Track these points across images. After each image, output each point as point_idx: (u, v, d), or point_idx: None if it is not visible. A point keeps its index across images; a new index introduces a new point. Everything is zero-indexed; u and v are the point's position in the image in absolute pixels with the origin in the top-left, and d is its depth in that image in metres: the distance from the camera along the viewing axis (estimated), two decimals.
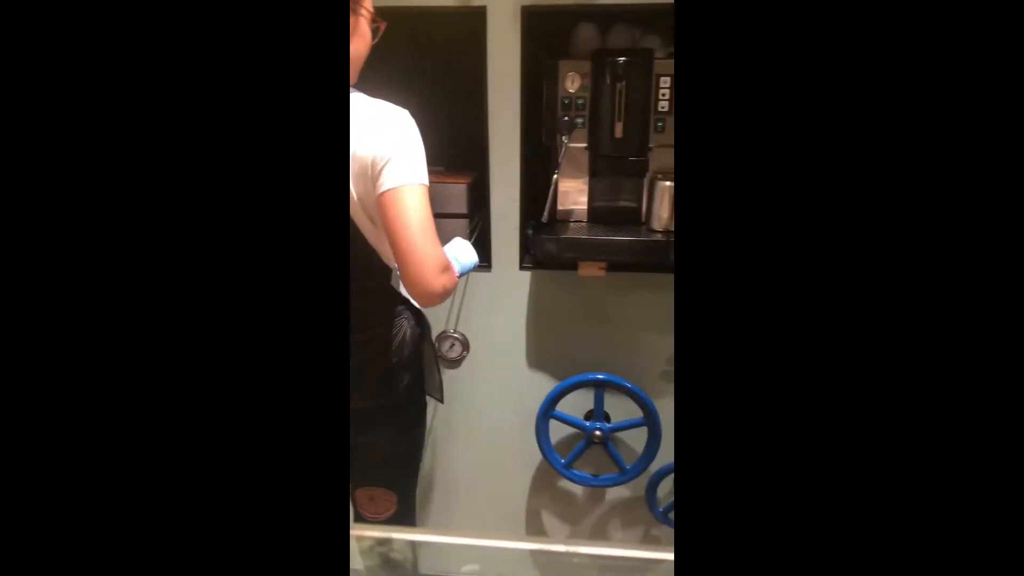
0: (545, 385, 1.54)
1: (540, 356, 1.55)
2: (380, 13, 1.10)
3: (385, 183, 1.01)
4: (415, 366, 1.22)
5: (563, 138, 1.40)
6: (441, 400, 1.33)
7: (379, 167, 1.01)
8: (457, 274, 1.12)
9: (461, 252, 1.20)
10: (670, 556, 0.84)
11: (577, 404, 1.53)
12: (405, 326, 1.18)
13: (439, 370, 1.29)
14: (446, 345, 1.59)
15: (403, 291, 1.16)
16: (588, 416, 1.53)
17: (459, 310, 1.57)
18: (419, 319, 1.22)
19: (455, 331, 1.57)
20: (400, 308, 1.18)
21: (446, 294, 1.05)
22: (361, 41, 1.07)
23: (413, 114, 1.06)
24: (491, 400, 1.61)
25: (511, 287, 1.50)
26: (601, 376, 1.46)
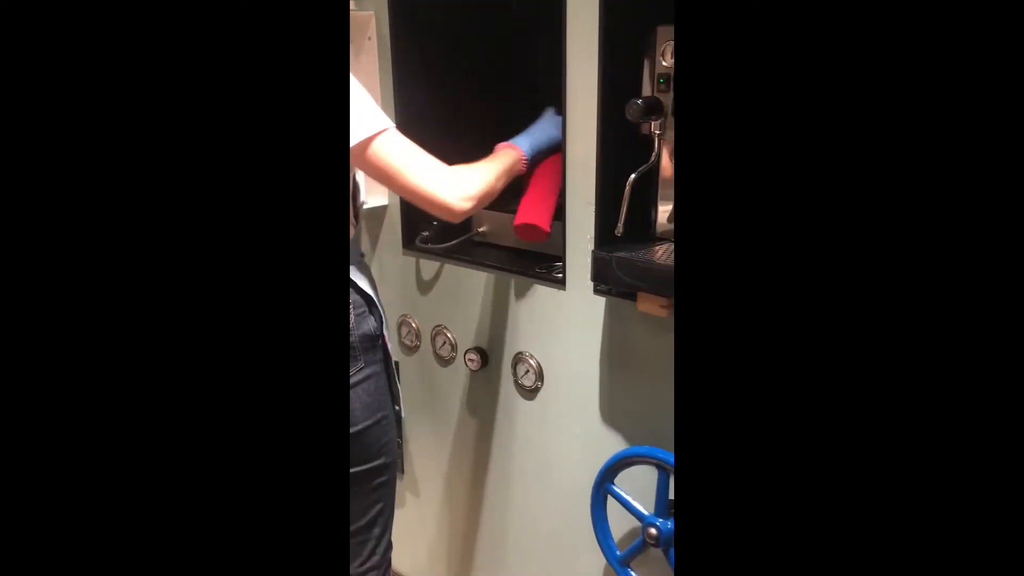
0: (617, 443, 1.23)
1: (614, 403, 1.23)
2: None
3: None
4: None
5: (654, 129, 1.07)
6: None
7: None
8: (526, 157, 1.19)
9: (537, 129, 1.24)
10: None
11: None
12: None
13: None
14: (521, 370, 1.34)
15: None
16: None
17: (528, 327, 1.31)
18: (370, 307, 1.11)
19: (530, 354, 1.32)
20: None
21: (473, 211, 1.07)
22: None
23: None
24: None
25: (587, 313, 1.21)
26: (662, 456, 1.10)
